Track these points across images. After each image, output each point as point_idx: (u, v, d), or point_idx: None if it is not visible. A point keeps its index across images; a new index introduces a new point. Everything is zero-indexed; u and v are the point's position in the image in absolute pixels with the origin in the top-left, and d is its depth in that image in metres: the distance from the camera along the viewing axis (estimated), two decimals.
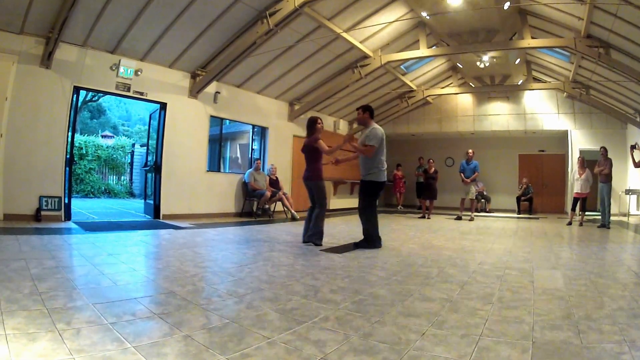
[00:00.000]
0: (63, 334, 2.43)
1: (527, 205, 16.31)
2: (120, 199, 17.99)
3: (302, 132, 13.39)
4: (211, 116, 11.13)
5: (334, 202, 14.75)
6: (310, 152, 6.82)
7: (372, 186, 6.45)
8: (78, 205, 12.12)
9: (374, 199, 6.60)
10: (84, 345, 2.30)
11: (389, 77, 14.14)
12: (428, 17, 10.06)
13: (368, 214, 6.53)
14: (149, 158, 11.41)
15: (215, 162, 12.77)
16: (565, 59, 12.29)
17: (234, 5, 8.33)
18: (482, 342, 2.58)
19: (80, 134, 19.59)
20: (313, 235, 6.56)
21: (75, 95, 8.52)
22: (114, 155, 19.20)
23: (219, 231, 8.20)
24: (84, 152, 17.86)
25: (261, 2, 8.49)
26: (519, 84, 15.00)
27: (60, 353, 2.18)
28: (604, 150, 10.96)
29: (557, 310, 3.30)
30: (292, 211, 11.17)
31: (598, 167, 10.95)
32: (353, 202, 15.89)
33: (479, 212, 15.86)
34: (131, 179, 20.11)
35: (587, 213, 11.89)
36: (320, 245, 6.44)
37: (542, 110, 16.21)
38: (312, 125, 6.88)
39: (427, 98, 16.80)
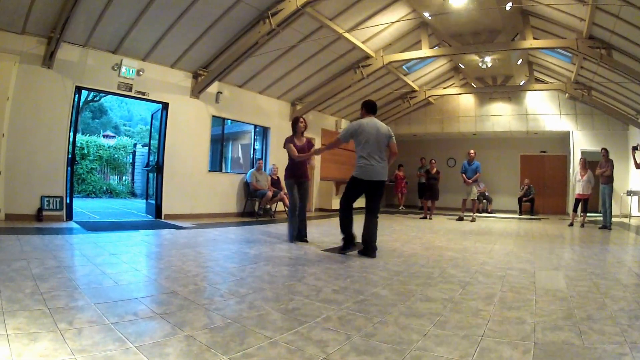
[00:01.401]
0: (65, 334, 2.43)
1: (528, 206, 16.31)
2: (122, 199, 18.01)
3: (305, 133, 13.42)
4: (213, 116, 11.13)
5: (336, 203, 14.71)
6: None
7: (349, 181, 6.08)
8: (80, 205, 12.14)
9: (348, 196, 6.04)
10: (85, 345, 2.31)
11: (391, 78, 14.14)
12: (430, 18, 10.06)
13: (340, 212, 6.12)
14: (151, 158, 11.41)
15: (217, 162, 12.78)
16: (567, 59, 12.28)
17: (235, 5, 8.32)
18: (484, 342, 2.58)
19: (82, 134, 19.61)
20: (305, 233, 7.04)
21: (77, 95, 8.52)
22: (116, 155, 19.20)
23: (221, 231, 8.20)
24: (86, 152, 17.86)
25: (263, 2, 8.49)
26: (520, 84, 14.97)
27: (62, 353, 2.18)
28: (605, 152, 10.96)
29: (559, 311, 3.30)
30: None
31: (599, 168, 10.94)
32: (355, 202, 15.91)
33: (480, 212, 15.85)
34: (133, 179, 20.13)
35: (588, 214, 11.88)
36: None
37: (543, 111, 16.20)
38: (294, 125, 7.22)
39: (429, 98, 16.81)
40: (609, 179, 10.70)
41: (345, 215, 6.03)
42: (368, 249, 5.83)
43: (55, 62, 7.90)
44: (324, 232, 8.48)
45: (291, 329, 2.74)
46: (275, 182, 11.89)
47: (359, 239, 5.97)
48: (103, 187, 18.39)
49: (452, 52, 11.98)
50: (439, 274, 4.70)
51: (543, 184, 17.24)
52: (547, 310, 3.29)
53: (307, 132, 7.41)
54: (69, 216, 8.47)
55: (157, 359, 2.19)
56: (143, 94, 9.46)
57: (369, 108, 6.08)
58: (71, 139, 8.48)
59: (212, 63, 10.08)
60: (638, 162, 10.22)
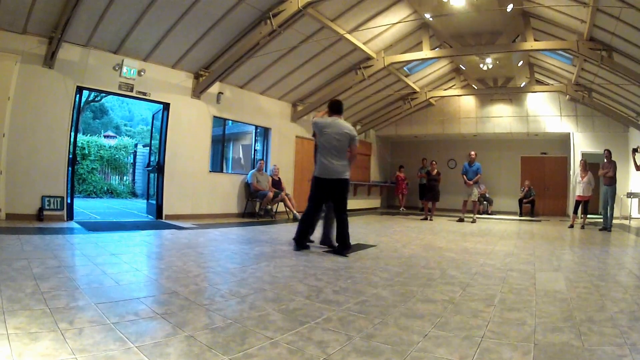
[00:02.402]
0: (65, 334, 2.43)
1: (529, 207, 16.35)
2: (123, 199, 18.02)
3: (305, 133, 13.47)
4: (214, 117, 11.13)
5: None
6: None
7: (312, 182, 6.19)
8: (80, 205, 12.14)
9: (315, 196, 6.14)
10: (86, 344, 2.31)
11: (392, 79, 14.13)
12: (431, 19, 10.06)
13: (307, 212, 6.21)
14: (152, 158, 11.42)
15: (218, 163, 12.78)
16: (568, 61, 12.28)
17: (237, 6, 8.33)
18: (484, 343, 2.58)
19: (83, 134, 19.64)
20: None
21: (78, 95, 8.53)
22: (117, 156, 19.22)
23: (222, 231, 8.20)
24: (87, 152, 17.90)
25: (265, 3, 8.50)
26: (521, 86, 14.97)
27: (63, 353, 2.18)
28: (608, 153, 10.93)
29: (559, 312, 3.31)
30: (295, 212, 11.18)
31: (602, 169, 10.93)
32: (355, 203, 15.98)
33: (481, 214, 15.85)
34: (134, 179, 20.15)
35: (588, 216, 11.87)
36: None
37: (544, 112, 16.20)
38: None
39: (430, 100, 16.80)
40: (612, 180, 10.68)
41: (311, 216, 6.16)
42: (342, 247, 5.91)
43: (56, 62, 7.91)
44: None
45: (292, 329, 2.74)
46: (276, 183, 11.89)
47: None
48: (104, 187, 18.40)
49: (453, 54, 11.99)
50: (440, 275, 4.70)
51: (543, 185, 17.27)
52: (547, 312, 3.29)
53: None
54: (70, 216, 8.47)
55: (158, 359, 2.20)
56: (144, 94, 9.47)
57: (334, 108, 6.16)
58: (72, 139, 8.48)
59: (214, 64, 10.09)
60: (638, 164, 10.21)
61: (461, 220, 12.77)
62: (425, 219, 13.33)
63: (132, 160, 20.17)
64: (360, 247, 6.64)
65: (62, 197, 8.25)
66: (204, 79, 10.20)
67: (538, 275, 4.82)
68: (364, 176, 17.60)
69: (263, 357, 2.29)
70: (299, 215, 10.61)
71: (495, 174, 17.90)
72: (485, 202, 17.03)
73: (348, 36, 10.34)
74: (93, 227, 7.78)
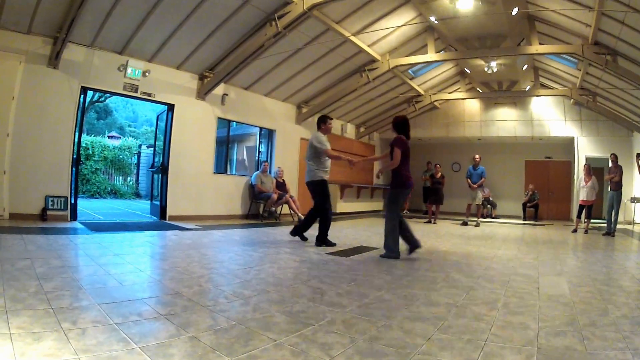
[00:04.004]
0: (68, 334, 2.44)
1: (532, 211, 16.32)
2: (127, 200, 18.05)
3: (310, 135, 13.46)
4: (218, 118, 11.14)
5: (341, 206, 14.76)
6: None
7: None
8: (84, 205, 12.15)
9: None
10: (89, 345, 2.31)
11: (397, 82, 14.13)
12: (436, 22, 10.05)
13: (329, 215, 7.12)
14: (156, 159, 11.44)
15: (222, 164, 12.76)
16: (573, 65, 12.26)
17: (242, 7, 8.35)
18: (487, 347, 2.57)
19: (87, 134, 19.70)
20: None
21: (82, 96, 8.55)
22: (121, 156, 19.28)
23: (226, 233, 8.21)
24: (91, 153, 17.94)
25: (270, 4, 8.52)
26: (526, 90, 14.95)
27: (66, 353, 2.19)
28: (615, 157, 10.85)
29: (562, 316, 3.30)
30: (299, 214, 11.16)
31: (609, 174, 10.88)
32: (359, 206, 15.96)
33: (484, 217, 15.81)
34: (137, 179, 20.19)
35: (592, 221, 11.83)
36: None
37: (549, 116, 16.16)
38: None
39: (435, 103, 16.77)
40: (618, 185, 10.62)
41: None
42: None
43: (61, 62, 7.94)
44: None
45: (295, 331, 2.74)
46: (280, 185, 11.89)
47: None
48: (107, 187, 18.43)
49: (458, 57, 11.99)
50: (443, 278, 4.70)
51: (547, 189, 17.23)
52: (550, 316, 3.28)
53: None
54: (73, 216, 8.50)
55: None
56: (149, 95, 9.49)
57: (319, 123, 7.47)
58: (76, 139, 8.51)
59: (218, 65, 10.11)
60: None
61: (465, 223, 12.74)
62: (429, 222, 13.31)
63: (136, 161, 20.22)
64: (364, 249, 6.64)
65: (66, 197, 8.27)
66: (208, 80, 10.22)
67: (541, 279, 4.81)
68: (367, 179, 17.59)
69: (267, 359, 2.29)
70: (303, 218, 10.59)
71: (499, 178, 17.85)
72: (489, 206, 17.00)
73: (353, 38, 10.34)
74: (96, 227, 7.79)
